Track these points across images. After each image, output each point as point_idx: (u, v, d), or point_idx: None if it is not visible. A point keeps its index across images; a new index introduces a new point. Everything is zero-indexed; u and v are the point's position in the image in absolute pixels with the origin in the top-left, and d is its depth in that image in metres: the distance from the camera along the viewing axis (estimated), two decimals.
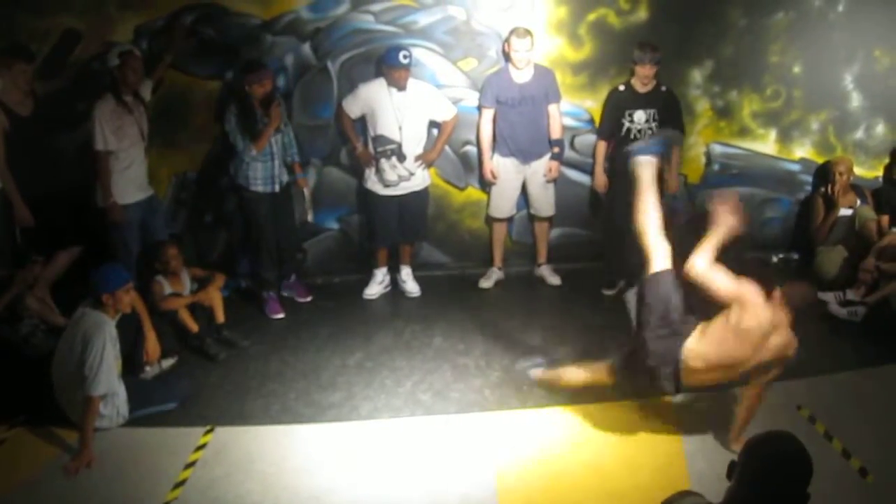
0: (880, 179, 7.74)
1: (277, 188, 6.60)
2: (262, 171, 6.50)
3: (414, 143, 6.77)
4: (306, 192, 6.86)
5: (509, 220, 7.36)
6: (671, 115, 6.93)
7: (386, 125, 6.65)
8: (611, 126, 6.98)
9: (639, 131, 6.87)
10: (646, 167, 4.74)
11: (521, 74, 6.82)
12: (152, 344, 5.51)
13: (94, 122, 6.00)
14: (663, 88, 6.91)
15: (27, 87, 6.14)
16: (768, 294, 4.39)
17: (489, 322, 6.63)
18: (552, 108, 6.96)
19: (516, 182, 7.13)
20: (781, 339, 4.43)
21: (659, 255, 4.55)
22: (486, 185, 7.28)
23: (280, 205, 6.71)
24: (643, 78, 6.77)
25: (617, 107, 6.92)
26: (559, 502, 4.48)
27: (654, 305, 4.51)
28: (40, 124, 6.20)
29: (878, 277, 6.61)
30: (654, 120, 6.86)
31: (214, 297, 6.23)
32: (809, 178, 7.80)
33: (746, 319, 4.31)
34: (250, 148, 6.37)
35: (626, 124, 6.88)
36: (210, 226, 7.25)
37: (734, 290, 4.35)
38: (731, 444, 4.77)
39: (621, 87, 6.93)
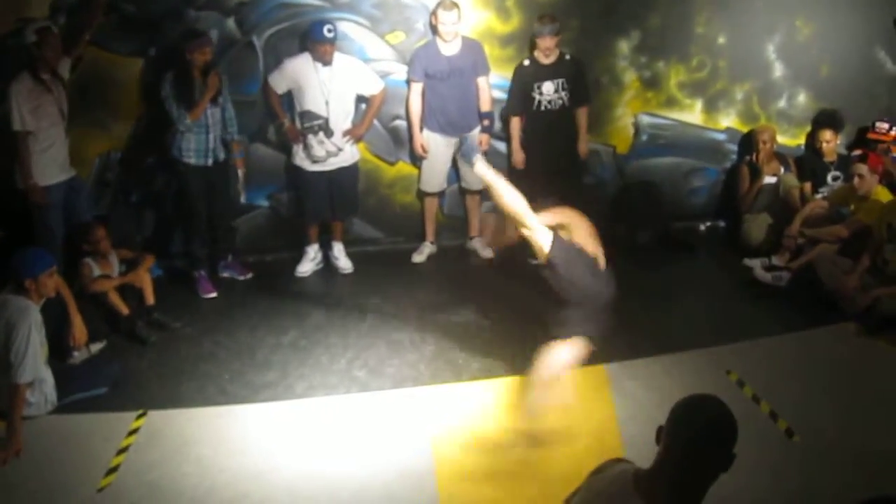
0: (803, 147, 7.92)
1: (210, 162, 6.50)
2: (196, 143, 6.40)
3: (341, 118, 6.71)
4: (240, 172, 6.76)
5: (441, 194, 7.36)
6: (577, 82, 7.02)
7: (312, 100, 6.59)
8: (520, 101, 7.03)
9: (549, 102, 6.94)
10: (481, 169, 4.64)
11: (449, 47, 6.80)
12: (79, 328, 5.39)
13: (10, 102, 5.81)
14: (567, 57, 6.99)
15: None
16: None
17: (423, 297, 6.65)
18: (481, 81, 6.96)
19: (447, 156, 7.13)
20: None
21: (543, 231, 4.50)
22: (416, 160, 7.26)
23: (214, 181, 6.62)
24: (545, 50, 6.85)
25: (524, 81, 6.98)
26: (495, 472, 4.52)
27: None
28: None
29: (803, 243, 6.77)
30: (563, 89, 6.94)
31: (144, 279, 6.13)
32: (735, 148, 7.94)
33: None
34: (185, 116, 6.27)
35: (536, 97, 6.95)
36: (136, 206, 7.10)
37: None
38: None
39: (526, 62, 7.00)
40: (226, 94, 6.55)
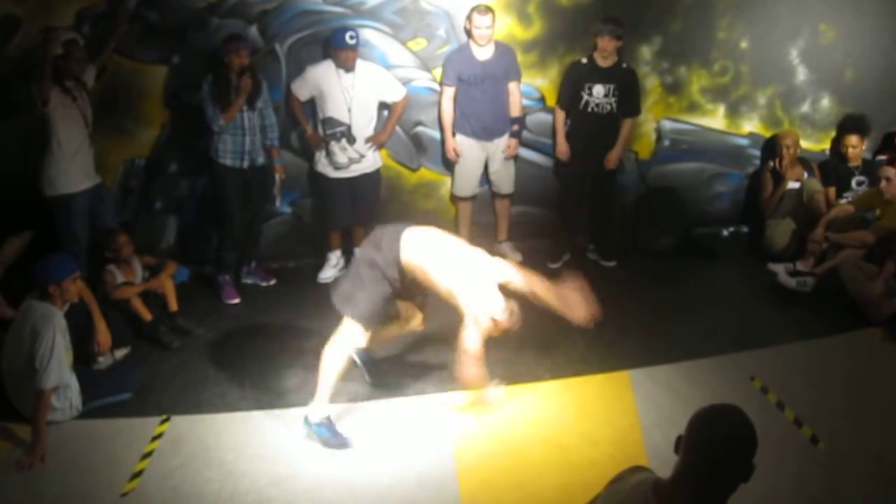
0: (827, 152, 7.87)
1: (246, 164, 6.53)
2: (232, 144, 6.44)
3: (364, 125, 6.73)
4: (278, 178, 6.79)
5: (473, 198, 7.35)
6: (629, 92, 7.01)
7: (335, 107, 6.61)
8: (569, 97, 7.03)
9: (597, 105, 6.92)
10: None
11: (483, 52, 6.81)
12: (103, 334, 5.43)
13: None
14: (624, 65, 6.98)
15: None
16: None
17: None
18: (512, 86, 6.97)
19: (479, 160, 7.15)
20: None
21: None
22: (449, 165, 7.28)
23: (249, 184, 6.64)
24: (602, 51, 6.83)
25: (577, 79, 6.97)
26: (518, 479, 4.51)
27: None
28: None
29: (827, 248, 6.72)
30: (613, 95, 6.92)
31: (166, 285, 6.16)
32: (758, 153, 7.90)
33: None
34: (219, 117, 6.31)
35: (585, 97, 6.93)
36: (160, 213, 7.15)
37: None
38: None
39: (583, 60, 6.99)
40: (266, 100, 6.59)
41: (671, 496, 2.39)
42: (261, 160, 6.64)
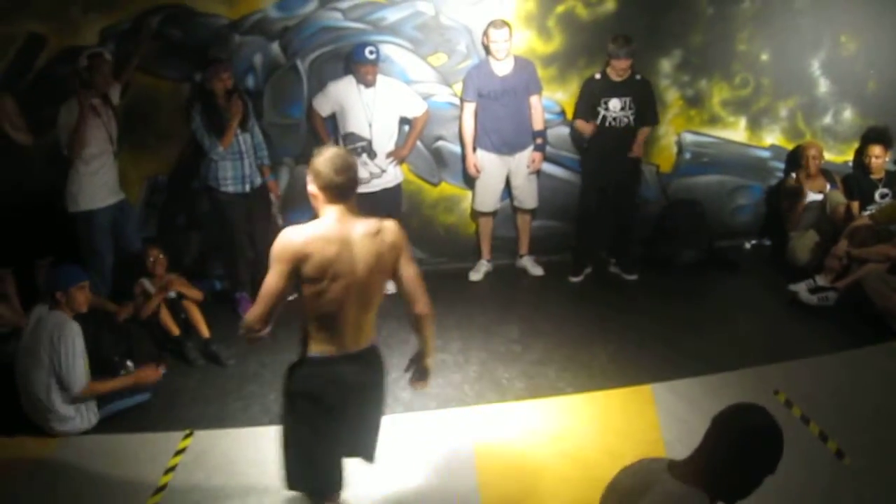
0: (850, 164, 7.82)
1: (249, 188, 6.54)
2: (233, 170, 6.44)
3: (385, 140, 6.75)
4: (273, 196, 6.84)
5: (494, 213, 7.36)
6: (645, 103, 6.98)
7: (356, 122, 6.64)
8: (585, 114, 7.01)
9: (614, 119, 6.90)
10: None
11: (502, 66, 6.82)
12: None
13: (61, 127, 5.93)
14: (638, 77, 6.94)
15: None
16: None
17: (466, 316, 6.63)
18: (534, 100, 6.97)
19: (501, 175, 7.15)
20: None
21: None
22: (469, 180, 7.30)
23: (253, 206, 6.67)
24: (619, 70, 6.80)
25: (592, 95, 6.95)
26: (540, 494, 4.50)
27: None
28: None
29: (849, 262, 6.67)
30: (629, 108, 6.89)
31: (192, 311, 6.19)
32: (780, 165, 7.87)
33: None
34: (217, 145, 6.31)
35: (602, 112, 6.91)
36: (183, 229, 7.20)
37: None
38: None
39: (597, 76, 6.96)
40: (253, 119, 6.62)
41: (684, 471, 2.56)
42: (259, 180, 6.67)
